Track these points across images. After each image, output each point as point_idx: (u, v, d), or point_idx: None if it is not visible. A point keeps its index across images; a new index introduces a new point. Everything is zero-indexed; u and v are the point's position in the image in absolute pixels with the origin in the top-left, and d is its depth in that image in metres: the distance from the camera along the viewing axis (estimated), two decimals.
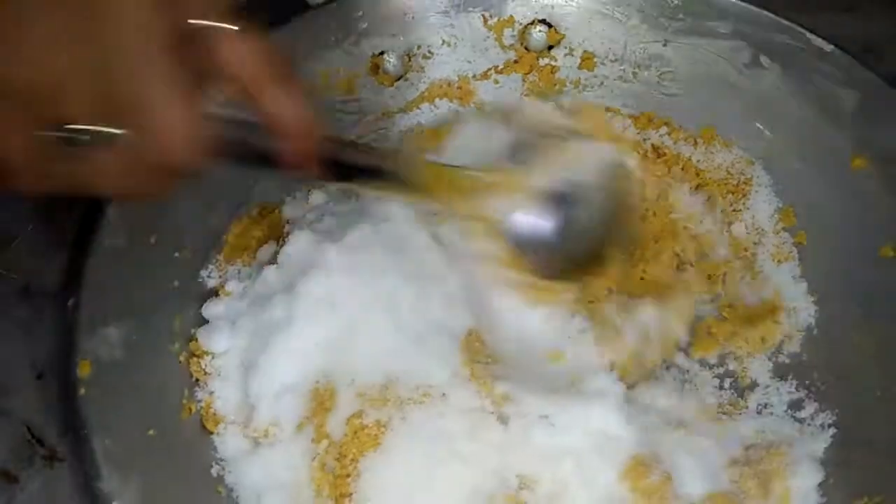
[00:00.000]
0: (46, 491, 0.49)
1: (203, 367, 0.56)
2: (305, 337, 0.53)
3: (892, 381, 0.56)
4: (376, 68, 0.67)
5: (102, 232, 0.52)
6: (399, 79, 0.68)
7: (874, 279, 0.59)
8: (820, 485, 0.55)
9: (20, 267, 0.55)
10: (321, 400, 0.54)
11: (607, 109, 0.69)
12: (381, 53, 0.67)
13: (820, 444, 0.57)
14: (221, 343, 0.56)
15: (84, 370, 0.48)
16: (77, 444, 0.47)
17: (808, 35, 0.61)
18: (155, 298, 0.55)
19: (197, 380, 0.56)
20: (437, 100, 0.70)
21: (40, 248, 0.56)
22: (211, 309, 0.57)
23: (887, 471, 0.54)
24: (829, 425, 0.57)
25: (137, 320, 0.53)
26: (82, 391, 0.48)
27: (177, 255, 0.58)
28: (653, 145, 0.68)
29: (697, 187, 0.67)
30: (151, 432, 0.50)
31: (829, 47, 0.61)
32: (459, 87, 0.70)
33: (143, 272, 0.55)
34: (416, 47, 0.68)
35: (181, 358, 0.56)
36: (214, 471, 0.53)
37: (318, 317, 0.54)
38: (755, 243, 0.65)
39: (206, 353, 0.56)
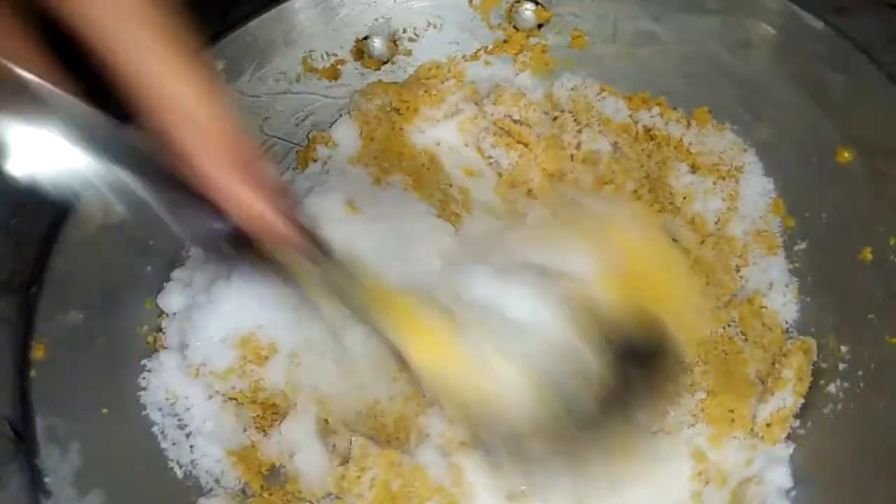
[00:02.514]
0: (28, 489, 0.50)
1: (163, 340, 0.59)
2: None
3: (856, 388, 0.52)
4: (361, 53, 0.67)
5: (71, 223, 0.56)
6: (385, 62, 0.68)
7: (855, 283, 0.54)
8: None
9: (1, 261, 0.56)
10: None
11: (602, 89, 0.66)
12: (366, 38, 0.67)
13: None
14: (174, 303, 0.59)
15: (38, 353, 0.53)
16: (26, 425, 0.51)
17: (798, 10, 0.56)
18: (126, 283, 0.59)
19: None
20: (425, 81, 0.69)
21: (21, 241, 0.56)
22: (176, 273, 0.61)
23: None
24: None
25: (104, 304, 0.57)
26: (33, 373, 0.52)
27: (151, 242, 0.61)
28: (644, 126, 0.65)
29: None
30: (105, 411, 0.55)
31: (818, 24, 0.55)
32: (449, 69, 0.69)
33: (114, 259, 0.58)
34: (401, 30, 0.67)
35: (149, 339, 0.60)
36: None
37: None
38: (744, 233, 0.61)
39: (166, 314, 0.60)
